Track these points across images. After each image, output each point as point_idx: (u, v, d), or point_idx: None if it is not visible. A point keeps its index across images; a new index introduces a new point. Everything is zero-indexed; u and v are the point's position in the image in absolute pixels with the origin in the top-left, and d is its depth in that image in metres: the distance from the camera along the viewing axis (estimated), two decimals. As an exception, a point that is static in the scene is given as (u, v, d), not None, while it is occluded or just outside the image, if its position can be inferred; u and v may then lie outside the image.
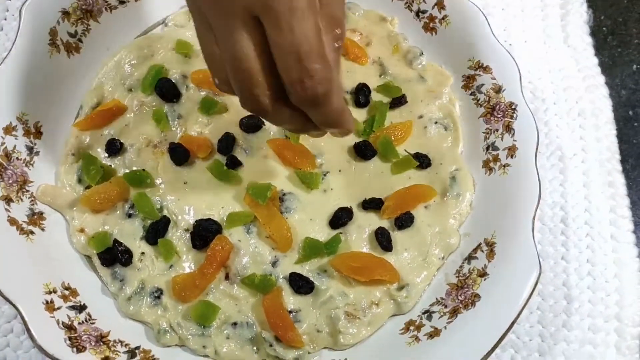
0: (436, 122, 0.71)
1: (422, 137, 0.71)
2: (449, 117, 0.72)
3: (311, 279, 0.63)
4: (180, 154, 0.68)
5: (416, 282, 0.63)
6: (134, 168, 0.68)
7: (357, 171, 0.69)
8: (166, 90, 0.70)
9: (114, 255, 0.64)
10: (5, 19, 0.80)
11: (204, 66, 0.72)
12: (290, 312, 0.62)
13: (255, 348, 0.61)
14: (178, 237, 0.65)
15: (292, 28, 0.43)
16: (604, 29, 0.85)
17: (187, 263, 0.64)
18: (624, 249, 0.70)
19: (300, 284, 0.62)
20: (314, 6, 0.44)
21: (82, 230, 0.66)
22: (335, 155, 0.69)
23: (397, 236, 0.65)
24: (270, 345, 0.59)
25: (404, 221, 0.65)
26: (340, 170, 0.68)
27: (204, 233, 0.64)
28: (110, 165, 0.69)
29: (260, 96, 0.47)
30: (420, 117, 0.72)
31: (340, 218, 0.65)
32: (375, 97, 0.73)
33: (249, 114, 0.68)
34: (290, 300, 0.62)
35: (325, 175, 0.68)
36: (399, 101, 0.72)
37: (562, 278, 0.68)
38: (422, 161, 0.69)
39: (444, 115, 0.72)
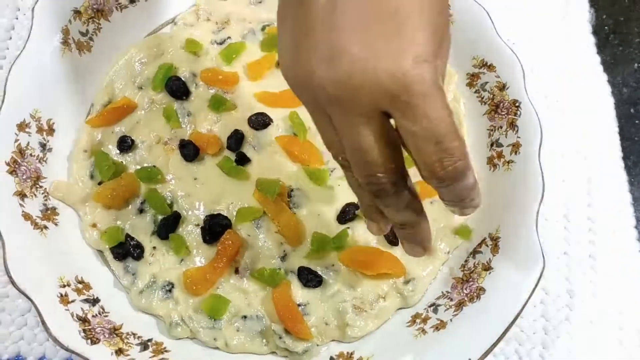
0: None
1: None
2: (454, 115, 0.73)
3: (319, 272, 0.64)
4: (190, 151, 0.69)
5: (422, 276, 0.65)
6: (145, 164, 0.69)
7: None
8: (176, 88, 0.72)
9: (126, 250, 0.65)
10: (17, 18, 0.81)
11: (213, 64, 0.74)
12: (299, 305, 0.63)
13: (264, 340, 0.62)
14: (189, 232, 0.67)
15: (426, 114, 0.42)
16: (606, 27, 0.86)
17: (198, 257, 0.66)
18: (625, 243, 0.71)
19: (309, 278, 0.63)
20: (441, 84, 0.43)
21: (94, 226, 0.67)
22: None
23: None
24: (280, 338, 0.60)
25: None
26: (347, 167, 0.69)
27: (215, 228, 0.65)
28: (122, 162, 0.70)
29: (385, 183, 0.46)
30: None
31: (348, 213, 0.66)
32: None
33: (258, 111, 0.71)
34: (299, 293, 0.63)
35: (332, 171, 0.69)
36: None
37: (565, 272, 0.70)
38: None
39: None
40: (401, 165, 0.47)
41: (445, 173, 0.44)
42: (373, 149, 0.45)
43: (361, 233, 0.66)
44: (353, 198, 0.67)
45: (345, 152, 0.46)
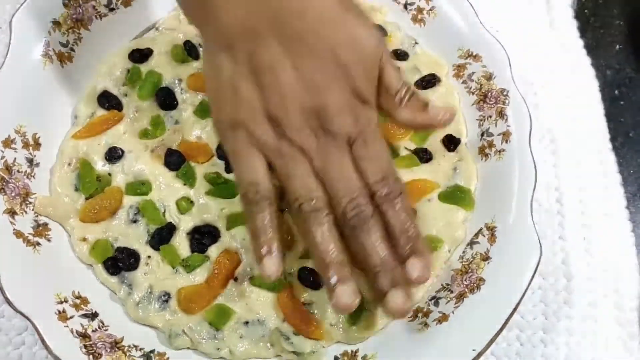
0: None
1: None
2: (451, 106, 0.72)
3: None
4: (174, 159, 0.68)
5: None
6: (133, 173, 0.68)
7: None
8: (164, 99, 0.71)
9: (117, 263, 0.64)
10: (-5, 33, 0.79)
11: (198, 70, 0.73)
12: (303, 304, 0.62)
13: (268, 344, 0.62)
14: (182, 240, 0.66)
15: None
16: (586, 11, 0.87)
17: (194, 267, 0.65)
18: (618, 224, 0.72)
19: (312, 278, 0.63)
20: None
21: (84, 239, 0.65)
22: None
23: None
24: (287, 339, 0.60)
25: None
26: (341, 164, 0.69)
27: (201, 240, 0.64)
28: (108, 173, 0.68)
29: (366, 205, 0.54)
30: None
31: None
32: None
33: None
34: (302, 295, 0.63)
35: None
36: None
37: (561, 256, 0.70)
38: (422, 156, 0.70)
39: (444, 105, 0.72)
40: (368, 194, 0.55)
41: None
42: (352, 174, 0.54)
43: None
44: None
45: (319, 190, 0.54)
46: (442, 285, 0.64)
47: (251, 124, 0.53)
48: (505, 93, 0.70)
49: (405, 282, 0.54)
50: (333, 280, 0.53)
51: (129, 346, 0.60)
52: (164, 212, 0.67)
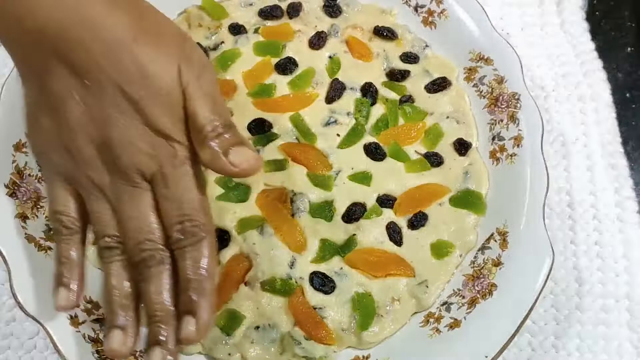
0: (447, 117, 0.72)
1: (434, 134, 0.71)
2: (459, 110, 0.73)
3: (330, 277, 0.63)
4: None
5: (435, 279, 0.64)
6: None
7: (369, 168, 0.68)
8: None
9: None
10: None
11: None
12: (314, 308, 0.62)
13: (280, 349, 0.61)
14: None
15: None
16: (597, 13, 0.86)
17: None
18: (630, 229, 0.72)
19: (324, 282, 0.62)
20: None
21: (95, 243, 0.65)
22: (347, 154, 0.69)
23: (413, 234, 0.66)
24: (299, 344, 0.60)
25: (417, 221, 0.66)
26: (352, 168, 0.68)
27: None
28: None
29: (157, 249, 0.51)
30: (431, 114, 0.73)
31: (354, 213, 0.66)
32: (384, 92, 0.73)
33: (257, 116, 0.70)
34: (313, 299, 0.62)
35: (337, 174, 0.68)
36: (406, 98, 0.73)
37: (572, 261, 0.70)
38: (433, 161, 0.70)
39: (455, 108, 0.73)
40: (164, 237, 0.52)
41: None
42: (147, 214, 0.51)
43: (366, 235, 0.66)
44: (359, 198, 0.67)
45: (113, 227, 0.52)
46: (453, 290, 0.64)
47: (52, 154, 0.52)
48: (516, 97, 0.69)
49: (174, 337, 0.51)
50: (109, 321, 0.51)
51: (140, 351, 0.60)
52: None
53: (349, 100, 0.72)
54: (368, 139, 0.70)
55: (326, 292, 0.63)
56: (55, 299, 0.52)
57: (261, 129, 0.70)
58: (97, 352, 0.58)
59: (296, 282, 0.63)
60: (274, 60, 0.73)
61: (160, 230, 0.51)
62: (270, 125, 0.70)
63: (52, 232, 0.56)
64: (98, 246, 0.54)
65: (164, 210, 0.51)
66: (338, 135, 0.70)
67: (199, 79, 0.52)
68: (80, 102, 0.50)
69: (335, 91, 0.72)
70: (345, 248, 0.64)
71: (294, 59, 0.73)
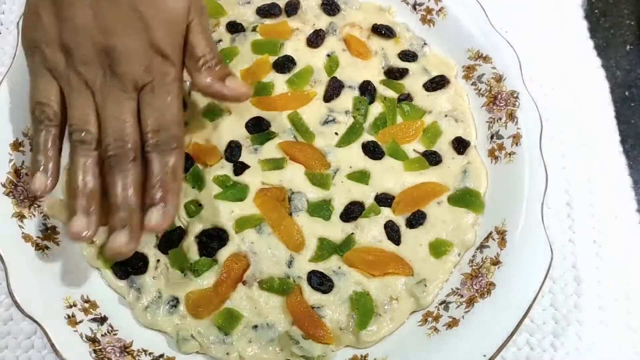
0: (446, 115, 0.72)
1: (433, 132, 0.71)
2: (458, 109, 0.72)
3: (329, 277, 0.63)
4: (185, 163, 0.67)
5: (433, 278, 0.64)
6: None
7: (367, 167, 0.68)
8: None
9: (126, 267, 0.64)
10: (0, 33, 0.79)
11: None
12: (312, 307, 0.62)
13: (278, 348, 0.61)
14: (189, 245, 0.65)
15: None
16: (596, 11, 0.86)
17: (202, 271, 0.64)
18: (628, 228, 0.72)
19: (322, 282, 0.62)
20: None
21: (93, 243, 0.65)
22: (345, 152, 0.69)
23: (411, 233, 0.66)
24: (297, 343, 0.60)
25: (415, 220, 0.66)
26: (350, 167, 0.68)
27: (209, 242, 0.64)
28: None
29: (130, 149, 0.56)
30: (430, 112, 0.72)
31: (352, 212, 0.66)
32: (382, 90, 0.73)
33: (254, 115, 0.70)
34: (311, 298, 0.62)
35: (335, 172, 0.68)
36: (405, 97, 0.73)
37: (571, 260, 0.70)
38: (431, 159, 0.69)
39: (453, 107, 0.73)
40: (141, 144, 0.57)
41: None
42: (129, 118, 0.56)
43: (366, 233, 0.66)
44: (357, 197, 0.67)
45: (93, 126, 0.56)
46: (451, 289, 0.64)
47: (46, 49, 0.57)
48: (515, 95, 0.69)
49: (140, 228, 0.56)
50: (73, 209, 0.55)
51: (138, 350, 0.60)
52: (172, 215, 0.66)
53: (347, 98, 0.72)
54: (366, 137, 0.70)
55: (324, 291, 0.62)
56: (32, 183, 0.57)
57: (259, 128, 0.70)
58: (95, 351, 0.58)
59: (294, 281, 0.63)
60: (272, 59, 0.73)
61: (137, 135, 0.56)
62: (268, 124, 0.70)
63: (30, 125, 0.60)
64: (71, 140, 0.57)
65: (145, 116, 0.57)
66: (336, 133, 0.70)
67: (201, 17, 0.60)
68: (90, 7, 0.55)
69: (334, 89, 0.72)
70: (343, 247, 0.64)
71: (292, 57, 0.73)
